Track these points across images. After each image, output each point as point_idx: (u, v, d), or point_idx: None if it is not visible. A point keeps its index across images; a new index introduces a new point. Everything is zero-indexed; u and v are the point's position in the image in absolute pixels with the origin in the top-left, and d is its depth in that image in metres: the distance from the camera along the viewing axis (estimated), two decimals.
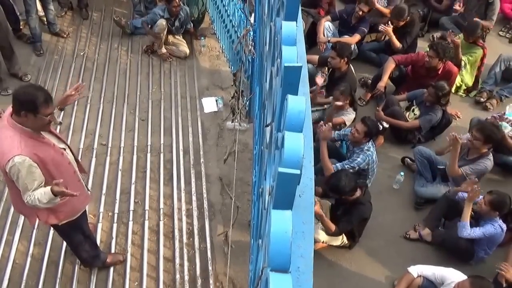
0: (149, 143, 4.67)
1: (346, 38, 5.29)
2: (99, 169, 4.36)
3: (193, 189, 4.23)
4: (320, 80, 4.72)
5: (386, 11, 5.61)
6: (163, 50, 5.68)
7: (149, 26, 5.57)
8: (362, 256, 3.87)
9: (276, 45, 1.49)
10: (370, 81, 5.23)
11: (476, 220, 3.66)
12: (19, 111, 2.37)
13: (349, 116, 4.44)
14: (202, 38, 5.91)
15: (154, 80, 5.47)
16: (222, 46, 5.70)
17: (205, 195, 4.18)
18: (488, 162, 3.90)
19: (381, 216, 4.03)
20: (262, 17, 2.77)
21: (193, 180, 4.31)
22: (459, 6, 5.66)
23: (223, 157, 4.41)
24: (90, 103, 5.08)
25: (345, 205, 3.70)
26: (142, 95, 5.25)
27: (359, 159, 3.93)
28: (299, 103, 1.02)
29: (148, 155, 4.53)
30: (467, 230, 3.52)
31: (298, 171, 0.88)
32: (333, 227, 3.60)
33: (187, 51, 5.72)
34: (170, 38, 5.71)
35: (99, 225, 3.87)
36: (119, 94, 5.23)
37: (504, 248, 3.67)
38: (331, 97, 4.47)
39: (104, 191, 4.15)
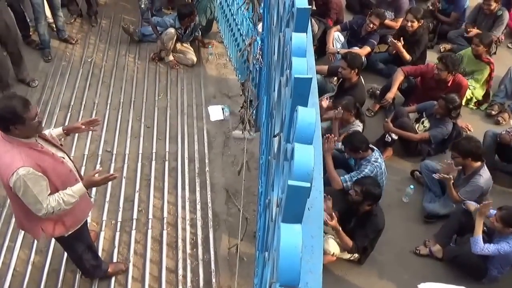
0: (154, 150, 4.63)
1: (356, 50, 5.24)
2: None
3: (198, 199, 4.18)
4: (325, 103, 4.66)
5: (395, 24, 5.56)
6: (171, 57, 5.68)
7: (159, 32, 5.56)
8: (370, 271, 3.77)
9: (285, 55, 1.45)
10: (378, 91, 5.17)
11: (489, 236, 3.56)
12: (8, 128, 2.32)
13: (356, 129, 4.38)
14: (210, 46, 5.91)
15: (160, 87, 5.46)
16: (230, 55, 5.68)
17: (209, 205, 4.13)
18: (480, 179, 3.79)
19: (390, 230, 3.92)
20: (270, 26, 2.74)
21: (197, 189, 4.26)
22: (472, 28, 5.61)
23: (229, 166, 4.36)
24: (96, 109, 5.07)
25: (357, 216, 3.61)
26: (149, 102, 5.23)
27: (366, 170, 3.85)
28: (309, 115, 1.00)
29: (153, 162, 4.49)
30: (480, 245, 3.41)
31: (308, 184, 0.86)
32: (350, 242, 3.51)
33: (195, 59, 5.71)
34: (178, 45, 5.70)
35: (102, 234, 3.81)
36: (125, 101, 5.22)
37: None
38: (335, 110, 4.40)
39: (107, 198, 4.11)
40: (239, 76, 5.19)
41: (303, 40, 1.23)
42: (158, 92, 5.37)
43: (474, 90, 5.17)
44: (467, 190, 3.82)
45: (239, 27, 4.88)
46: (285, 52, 1.47)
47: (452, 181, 3.88)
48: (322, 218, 1.15)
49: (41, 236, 2.79)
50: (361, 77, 4.73)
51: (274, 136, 1.62)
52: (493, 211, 3.55)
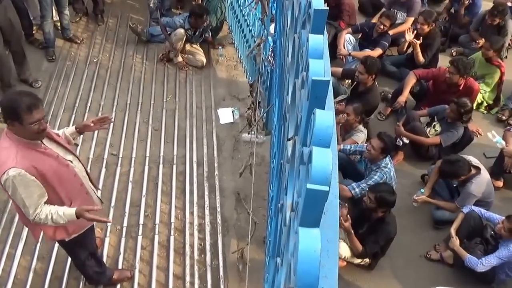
0: (161, 154, 4.58)
1: (367, 52, 5.19)
2: (109, 180, 4.24)
3: (206, 203, 4.12)
4: (341, 108, 4.61)
5: (406, 26, 5.49)
6: (179, 58, 5.63)
7: (168, 33, 5.53)
8: (381, 276, 3.72)
9: (301, 57, 1.42)
10: (390, 95, 5.13)
11: (495, 240, 3.56)
12: (6, 120, 2.27)
13: (360, 136, 4.34)
14: (220, 47, 5.85)
15: (169, 89, 5.41)
16: (240, 56, 5.64)
17: (218, 210, 4.07)
18: (471, 186, 3.79)
19: (400, 235, 3.85)
20: (284, 28, 2.69)
21: (206, 193, 4.20)
22: (479, 40, 5.56)
23: (238, 170, 4.31)
24: (102, 111, 4.99)
25: (370, 222, 3.57)
26: (156, 104, 5.18)
27: (376, 177, 3.82)
28: (327, 118, 0.98)
29: (160, 166, 4.44)
30: (478, 263, 3.40)
31: (327, 188, 0.86)
32: (360, 247, 3.50)
33: (204, 60, 5.66)
34: (187, 46, 5.66)
35: (107, 240, 3.73)
36: (132, 103, 5.16)
37: None
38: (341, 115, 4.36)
39: (113, 203, 4.03)
40: (250, 78, 5.14)
41: (320, 41, 1.21)
42: (166, 94, 5.32)
43: (485, 94, 5.10)
44: (460, 198, 3.86)
45: (250, 28, 4.84)
46: (300, 54, 1.43)
47: None
48: (338, 222, 1.14)
49: (41, 238, 2.73)
50: (375, 81, 4.68)
51: (288, 140, 1.58)
52: (499, 217, 3.54)
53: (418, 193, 4.13)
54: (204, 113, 5.07)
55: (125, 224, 3.88)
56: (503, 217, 3.46)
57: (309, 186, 0.85)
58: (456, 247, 3.58)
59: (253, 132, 4.46)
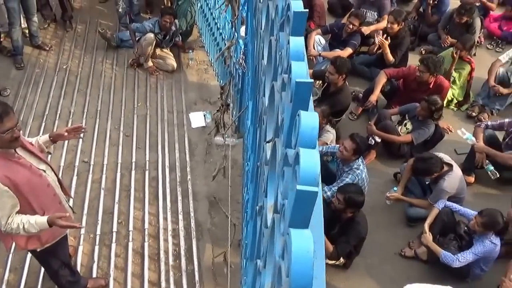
0: (133, 160, 4.50)
1: (337, 52, 5.22)
2: (80, 188, 4.16)
3: (180, 208, 4.08)
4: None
5: (382, 25, 5.56)
6: (150, 63, 5.54)
7: (137, 38, 5.43)
8: (357, 275, 3.74)
9: (280, 59, 1.40)
10: (361, 95, 5.16)
11: (469, 236, 3.61)
12: None
13: (328, 136, 4.37)
14: (190, 51, 5.79)
15: (139, 94, 5.32)
16: (211, 60, 5.59)
17: (192, 214, 4.03)
18: (444, 183, 3.83)
19: (375, 233, 3.90)
20: (257, 30, 2.67)
21: (179, 198, 4.16)
22: (447, 39, 5.69)
23: (211, 174, 4.26)
24: (72, 118, 4.90)
25: (340, 223, 3.58)
26: (127, 109, 5.09)
27: (347, 179, 3.84)
28: (312, 119, 0.98)
29: (133, 172, 4.36)
30: (454, 259, 3.44)
31: (316, 189, 0.88)
32: (330, 247, 3.50)
33: (174, 64, 5.59)
34: (157, 51, 5.57)
35: (80, 248, 3.67)
36: (103, 109, 5.06)
37: (503, 261, 3.54)
38: None
39: (85, 211, 3.96)
40: (221, 81, 5.10)
41: (301, 44, 1.22)
42: (137, 100, 5.23)
43: (455, 91, 5.20)
44: (432, 195, 3.91)
45: (221, 31, 4.80)
46: (279, 56, 1.41)
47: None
48: (322, 222, 1.15)
49: (13, 248, 2.64)
50: (346, 81, 4.70)
51: (267, 142, 1.55)
52: (473, 212, 3.59)
53: (391, 191, 4.17)
54: (176, 118, 5.01)
55: (98, 232, 3.81)
56: (476, 213, 3.52)
57: (299, 187, 0.85)
58: (430, 243, 3.62)
59: (226, 136, 4.43)
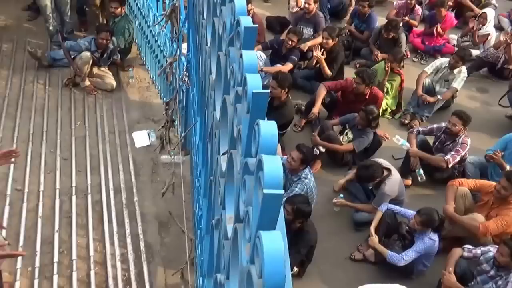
0: (73, 184, 4.31)
1: (278, 67, 5.37)
2: (14, 218, 3.90)
3: (128, 231, 3.95)
4: None
5: (318, 40, 5.79)
6: (87, 82, 5.37)
7: (72, 56, 5.25)
8: (310, 282, 3.81)
9: (231, 73, 1.43)
10: (303, 107, 5.32)
11: (411, 235, 3.81)
12: None
13: None
14: (130, 69, 5.69)
15: (77, 115, 5.12)
16: (153, 77, 5.52)
17: (141, 237, 3.92)
18: (385, 187, 4.03)
19: (325, 240, 4.01)
20: (201, 46, 2.69)
21: (126, 221, 4.03)
22: (377, 54, 6.06)
23: (159, 193, 4.17)
24: (1, 144, 4.58)
25: (290, 234, 3.63)
26: (64, 132, 4.88)
27: (296, 189, 3.93)
28: (271, 127, 1.03)
29: (73, 197, 4.18)
30: (399, 258, 3.63)
31: (282, 191, 0.92)
32: None
33: (114, 83, 5.45)
34: (95, 70, 5.41)
35: (17, 284, 3.40)
36: (35, 132, 4.80)
37: (443, 256, 3.76)
38: None
39: (21, 243, 3.71)
40: (164, 98, 5.04)
41: (254, 57, 1.25)
42: (74, 121, 5.03)
43: (389, 101, 5.50)
44: (376, 199, 4.10)
45: (161, 48, 4.76)
46: (231, 70, 1.44)
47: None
48: (284, 223, 1.19)
49: None
50: (289, 95, 4.83)
51: (222, 155, 1.57)
52: (412, 212, 3.80)
53: (338, 198, 4.32)
54: (118, 138, 4.88)
55: (37, 264, 3.58)
56: (415, 212, 3.73)
57: (265, 191, 0.89)
58: (376, 245, 3.78)
59: (173, 153, 4.37)
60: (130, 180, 4.41)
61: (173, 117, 4.21)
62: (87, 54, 5.16)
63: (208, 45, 2.19)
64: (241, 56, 1.25)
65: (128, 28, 5.63)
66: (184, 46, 4.10)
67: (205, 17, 2.40)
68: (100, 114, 5.16)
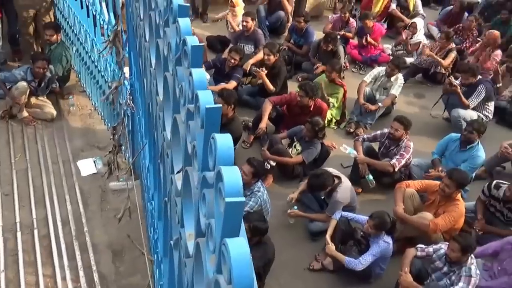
0: (17, 220, 4.09)
1: (222, 85, 5.41)
2: None
3: (79, 264, 3.79)
4: None
5: (260, 56, 5.91)
6: (25, 113, 5.14)
7: (7, 87, 5.02)
8: None
9: (181, 92, 1.44)
10: (251, 123, 5.38)
11: (366, 239, 3.90)
12: None
13: None
14: (70, 97, 5.52)
15: (16, 147, 4.89)
16: (95, 103, 5.38)
17: (94, 268, 3.77)
18: (337, 195, 4.13)
19: (283, 252, 4.03)
20: (145, 69, 2.67)
21: (78, 253, 3.87)
22: (319, 67, 6.27)
23: (110, 222, 4.04)
24: None
25: None
26: (3, 166, 4.64)
27: (251, 203, 3.94)
28: (226, 139, 1.06)
29: (18, 234, 3.96)
30: (356, 263, 3.71)
31: (243, 199, 0.95)
32: None
33: (54, 112, 5.26)
34: (32, 100, 5.20)
35: None
36: None
37: (398, 258, 3.86)
38: None
39: None
40: (108, 124, 4.92)
41: (203, 74, 1.28)
42: (14, 154, 4.79)
43: (333, 111, 5.69)
44: (329, 208, 4.20)
45: (102, 73, 4.66)
46: (180, 89, 1.46)
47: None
48: (244, 229, 1.19)
49: None
50: (235, 112, 4.87)
51: (177, 173, 1.57)
52: (365, 218, 3.91)
53: (292, 208, 4.37)
54: (62, 168, 4.70)
55: None
56: (368, 217, 3.84)
57: (227, 199, 0.91)
58: (333, 253, 3.85)
59: (121, 179, 4.26)
60: (78, 210, 4.24)
61: (121, 142, 4.12)
62: (23, 84, 4.96)
63: (153, 66, 2.19)
64: (190, 74, 1.27)
65: (66, 55, 5.48)
66: (125, 70, 4.05)
67: (147, 39, 2.40)
68: (41, 145, 4.95)
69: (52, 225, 4.07)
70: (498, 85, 6.07)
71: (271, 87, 5.58)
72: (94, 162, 4.70)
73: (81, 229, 4.06)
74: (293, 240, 4.30)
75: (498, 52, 6.56)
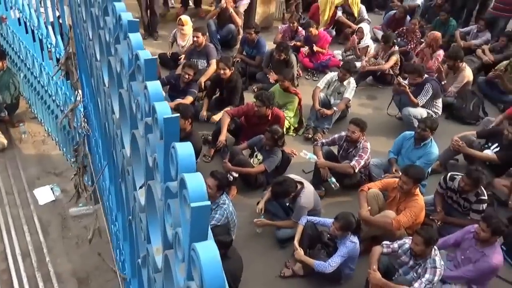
0: None
1: (178, 101, 5.39)
2: None
3: None
4: None
5: (212, 68, 5.93)
6: None
7: None
8: None
9: (137, 107, 1.44)
10: (210, 137, 5.37)
11: (334, 242, 3.97)
12: None
13: None
14: (21, 124, 5.33)
15: None
16: (48, 129, 5.21)
17: None
18: (300, 200, 4.18)
19: (253, 262, 4.04)
20: (97, 89, 2.63)
21: (41, 284, 3.74)
22: (272, 76, 6.38)
23: (73, 249, 3.92)
24: None
25: None
26: None
27: (217, 216, 3.92)
28: (186, 147, 1.06)
29: None
30: (325, 265, 3.76)
31: (208, 203, 0.95)
32: None
33: (5, 141, 5.09)
34: None
35: None
36: None
37: (365, 257, 3.93)
38: None
39: None
40: (64, 149, 4.78)
41: (158, 86, 1.28)
42: None
43: (290, 119, 5.78)
44: (294, 213, 4.24)
45: (53, 98, 4.53)
46: (136, 104, 1.45)
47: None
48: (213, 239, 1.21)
49: None
50: (192, 126, 4.85)
51: (140, 188, 1.55)
52: (330, 220, 3.97)
53: (259, 218, 4.38)
54: (18, 198, 4.53)
55: None
56: (333, 219, 3.90)
57: (193, 205, 0.91)
58: (302, 257, 3.88)
59: (81, 205, 4.14)
60: (39, 240, 4.10)
61: (85, 163, 4.01)
62: None
63: (107, 85, 2.16)
64: (145, 87, 1.27)
65: (13, 82, 5.31)
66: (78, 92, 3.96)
67: (98, 58, 2.37)
68: None
69: (11, 258, 3.92)
70: (443, 83, 6.37)
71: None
72: (51, 189, 4.55)
73: (43, 259, 3.92)
74: (262, 249, 4.30)
75: (440, 52, 6.91)
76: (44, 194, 4.51)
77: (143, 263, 1.67)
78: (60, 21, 3.91)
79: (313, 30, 7.15)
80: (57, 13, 4.04)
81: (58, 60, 3.85)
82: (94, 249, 3.62)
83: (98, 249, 3.67)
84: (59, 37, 4.00)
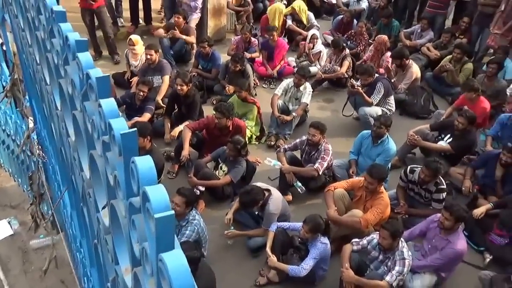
0: None
1: (137, 119, 5.31)
2: None
3: None
4: None
5: (165, 86, 5.90)
6: None
7: None
8: None
9: (93, 126, 1.42)
10: (173, 153, 5.31)
11: (305, 245, 4.01)
12: None
13: None
14: None
15: None
16: (0, 161, 4.98)
17: None
18: (270, 207, 4.18)
19: (227, 274, 4.02)
20: (50, 114, 2.55)
21: None
22: (228, 88, 6.38)
23: (37, 284, 3.74)
24: None
25: None
26: None
27: (188, 232, 3.88)
28: (146, 160, 1.06)
29: None
30: (299, 269, 3.78)
31: (172, 212, 0.95)
32: None
33: None
34: None
35: None
36: None
37: (337, 257, 4.00)
38: None
39: None
40: (19, 180, 4.58)
41: (113, 103, 1.26)
42: None
43: (252, 128, 5.81)
44: (264, 221, 4.25)
45: (3, 127, 4.35)
46: (92, 124, 1.42)
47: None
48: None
49: None
50: (153, 143, 4.78)
51: (102, 209, 1.51)
52: (299, 224, 4.01)
53: (229, 230, 4.35)
54: None
55: None
56: (302, 223, 3.94)
57: (156, 216, 0.91)
58: (276, 264, 3.89)
59: (41, 236, 3.97)
60: None
61: (41, 191, 3.85)
62: None
63: (59, 108, 2.10)
64: (99, 105, 1.24)
65: None
66: (29, 120, 3.82)
67: (48, 82, 2.30)
68: None
69: None
70: (393, 80, 6.60)
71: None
72: (9, 223, 4.34)
73: None
74: (235, 260, 4.28)
75: (388, 54, 7.17)
76: (1, 229, 4.29)
77: (112, 287, 1.62)
78: (4, 47, 3.77)
79: (275, 35, 7.25)
80: (0, 40, 3.90)
81: (4, 87, 3.70)
82: (59, 280, 3.48)
83: (63, 279, 3.53)
84: (3, 64, 3.86)
